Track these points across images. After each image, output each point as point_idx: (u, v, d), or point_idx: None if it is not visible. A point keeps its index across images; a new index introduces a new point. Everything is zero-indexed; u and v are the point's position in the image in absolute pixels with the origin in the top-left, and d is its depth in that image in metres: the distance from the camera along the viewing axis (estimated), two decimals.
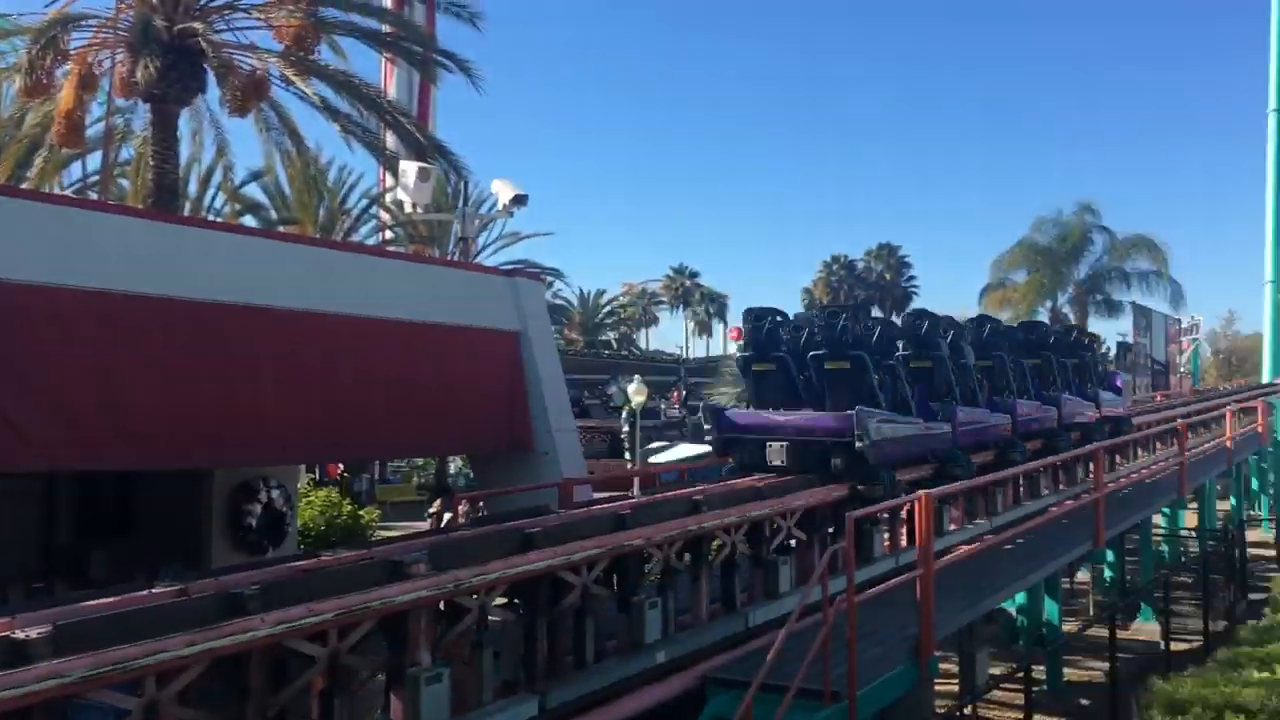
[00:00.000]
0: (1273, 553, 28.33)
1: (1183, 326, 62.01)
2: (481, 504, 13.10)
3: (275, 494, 12.91)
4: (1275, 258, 54.65)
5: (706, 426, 14.24)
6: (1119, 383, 22.81)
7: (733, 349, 62.88)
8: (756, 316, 13.01)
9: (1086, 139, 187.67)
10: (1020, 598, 13.76)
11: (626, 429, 33.96)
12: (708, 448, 14.99)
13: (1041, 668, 14.78)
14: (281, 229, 28.74)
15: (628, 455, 33.97)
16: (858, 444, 11.29)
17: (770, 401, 12.54)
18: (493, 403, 14.12)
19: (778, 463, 11.75)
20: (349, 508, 21.25)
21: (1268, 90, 55.57)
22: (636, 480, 21.75)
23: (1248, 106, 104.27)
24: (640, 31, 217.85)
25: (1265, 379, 54.13)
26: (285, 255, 12.49)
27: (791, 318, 13.36)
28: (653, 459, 29.77)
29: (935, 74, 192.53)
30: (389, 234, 35.50)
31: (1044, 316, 49.83)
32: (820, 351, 12.48)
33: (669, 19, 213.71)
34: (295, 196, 30.00)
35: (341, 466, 32.35)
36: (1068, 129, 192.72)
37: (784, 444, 11.77)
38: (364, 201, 35.08)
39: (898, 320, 18.91)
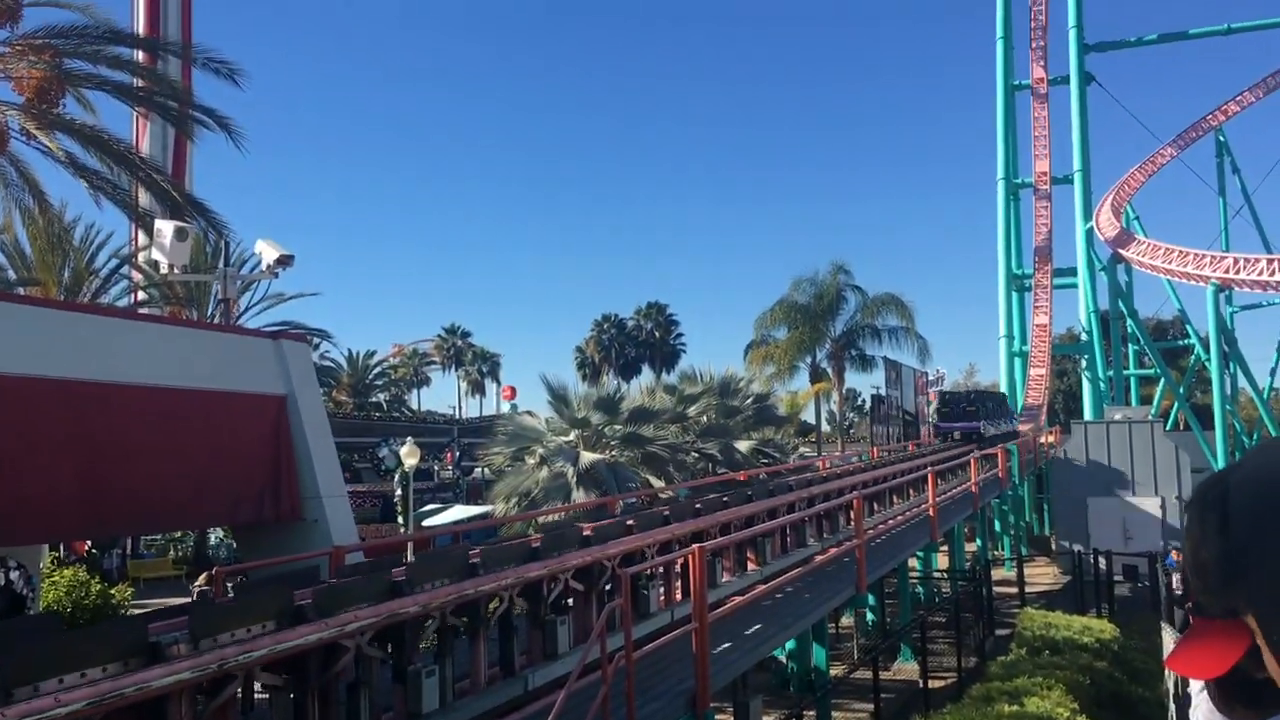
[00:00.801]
0: (1015, 590, 30.43)
1: (929, 379, 66.27)
2: (243, 577, 12.49)
3: (14, 575, 11.91)
4: (1007, 314, 59.36)
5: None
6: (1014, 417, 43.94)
7: (506, 408, 62.68)
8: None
9: (843, 198, 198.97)
10: (790, 644, 14.23)
11: (399, 492, 33.12)
12: (484, 508, 14.94)
13: (812, 713, 15.31)
14: (21, 290, 26.81)
15: (401, 519, 33.11)
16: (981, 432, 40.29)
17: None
18: (259, 469, 13.55)
19: (957, 437, 44.57)
20: (98, 586, 19.82)
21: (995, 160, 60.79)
22: (410, 545, 21.22)
23: (983, 174, 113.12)
24: (416, 97, 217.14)
25: None
26: (17, 317, 11.59)
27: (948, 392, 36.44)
28: (427, 522, 29.17)
29: (701, 140, 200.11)
30: (143, 295, 33.67)
31: (804, 372, 52.17)
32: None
33: (446, 86, 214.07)
34: (37, 256, 28.13)
35: (89, 543, 30.15)
36: (827, 189, 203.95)
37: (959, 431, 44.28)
38: (114, 261, 33.21)
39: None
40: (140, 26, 35.58)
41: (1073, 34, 58.74)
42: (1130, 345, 59.70)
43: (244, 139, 19.67)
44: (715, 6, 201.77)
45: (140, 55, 22.25)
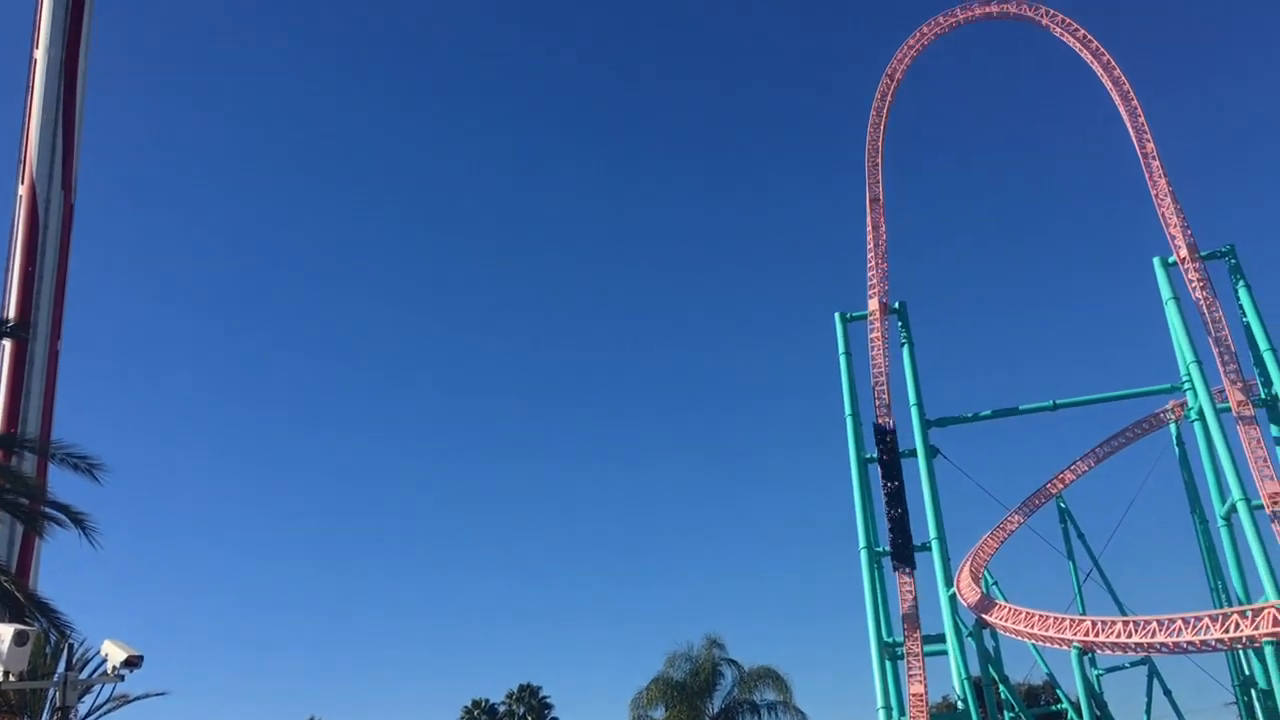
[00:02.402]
0: None
1: None
2: None
3: None
4: (882, 684, 58.69)
5: None
6: None
7: None
8: None
9: (712, 570, 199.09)
10: None
11: None
12: None
13: None
14: None
15: None
16: None
17: None
18: None
19: None
20: None
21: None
22: None
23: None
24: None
25: None
26: None
27: None
28: None
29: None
30: None
31: None
32: None
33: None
34: None
35: None
36: (697, 558, 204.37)
37: None
38: None
39: None
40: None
41: (914, 411, 62.82)
42: (1006, 712, 59.54)
43: (99, 536, 19.11)
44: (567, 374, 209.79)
45: None
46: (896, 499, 61.45)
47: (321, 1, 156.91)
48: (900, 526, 60.91)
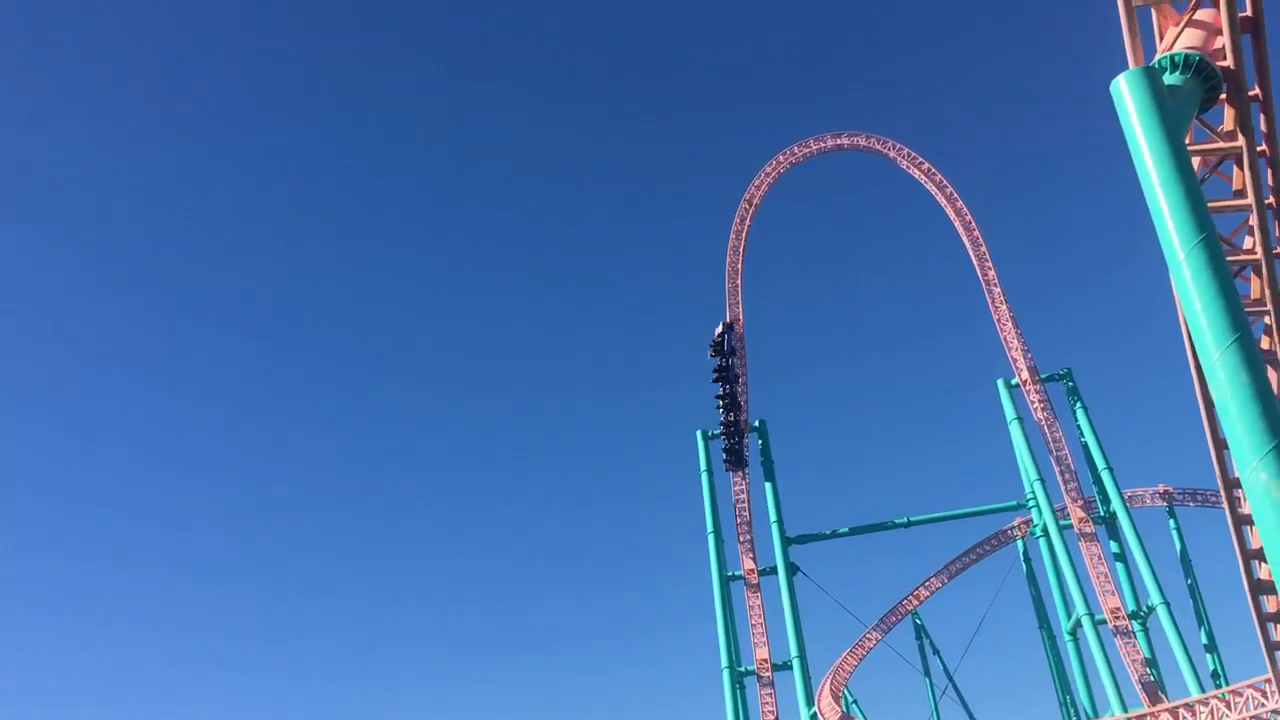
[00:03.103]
0: None
1: None
2: None
3: None
4: None
5: None
6: None
7: None
8: None
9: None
10: None
11: None
12: None
13: None
14: None
15: None
16: None
17: None
18: None
19: None
20: None
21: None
22: None
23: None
24: None
25: None
26: None
27: None
28: None
29: None
30: None
31: None
32: None
33: None
34: None
35: None
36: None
37: None
38: None
39: None
40: None
41: (775, 528, 63.35)
42: None
43: None
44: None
45: None
46: (727, 382, 63.50)
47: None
48: (734, 428, 63.99)
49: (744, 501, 64.53)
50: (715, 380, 63.78)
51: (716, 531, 64.28)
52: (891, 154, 65.91)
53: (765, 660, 61.08)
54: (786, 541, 63.10)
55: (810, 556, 64.60)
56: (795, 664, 59.47)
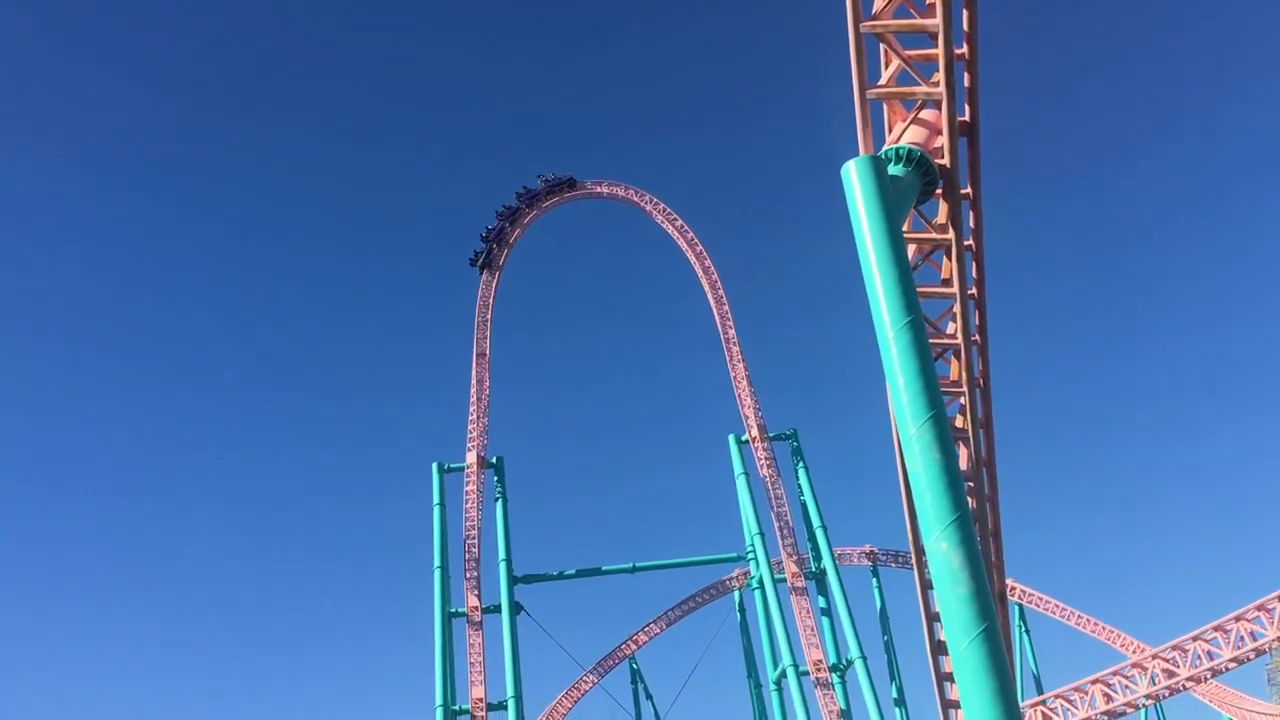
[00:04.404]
0: None
1: None
2: None
3: None
4: None
5: None
6: None
7: None
8: None
9: None
10: None
11: None
12: None
13: None
14: None
15: None
16: None
17: None
18: None
19: None
20: None
21: None
22: None
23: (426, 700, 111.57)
24: None
25: None
26: None
27: None
28: None
29: None
30: None
31: None
32: None
33: None
34: None
35: None
36: None
37: None
38: None
39: None
40: None
41: (503, 566, 62.94)
42: None
43: None
44: None
45: None
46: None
47: None
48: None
49: (474, 538, 63.89)
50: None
51: (443, 566, 63.19)
52: (648, 207, 67.65)
53: (481, 699, 60.34)
54: (514, 580, 62.83)
55: (537, 598, 64.64)
56: (510, 704, 59.03)
